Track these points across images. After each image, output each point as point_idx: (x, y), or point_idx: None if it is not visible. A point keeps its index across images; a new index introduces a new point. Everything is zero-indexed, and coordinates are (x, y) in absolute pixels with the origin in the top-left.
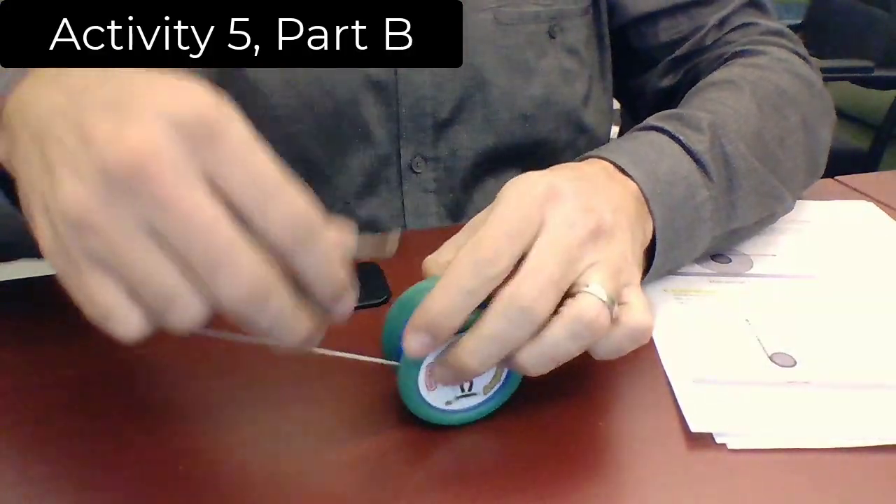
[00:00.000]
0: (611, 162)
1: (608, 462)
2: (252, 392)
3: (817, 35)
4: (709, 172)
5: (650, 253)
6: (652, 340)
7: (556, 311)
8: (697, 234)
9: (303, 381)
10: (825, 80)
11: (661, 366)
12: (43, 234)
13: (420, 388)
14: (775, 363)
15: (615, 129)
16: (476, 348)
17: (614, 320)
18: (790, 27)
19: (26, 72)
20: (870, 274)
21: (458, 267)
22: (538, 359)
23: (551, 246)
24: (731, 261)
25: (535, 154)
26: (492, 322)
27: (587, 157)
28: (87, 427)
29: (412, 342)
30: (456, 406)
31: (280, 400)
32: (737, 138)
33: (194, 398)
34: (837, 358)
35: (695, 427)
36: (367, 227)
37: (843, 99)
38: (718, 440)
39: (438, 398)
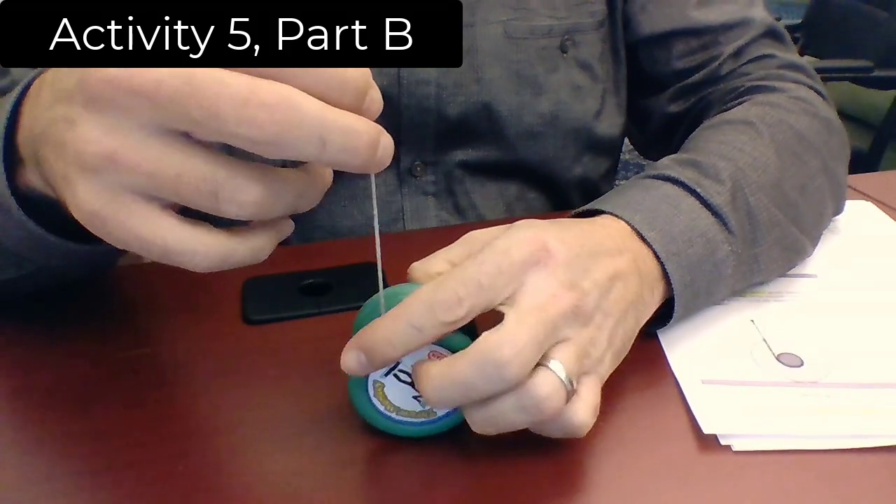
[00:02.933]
0: (626, 222)
1: (612, 464)
2: (252, 392)
3: (817, 35)
4: (729, 226)
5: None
6: (658, 341)
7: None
8: (717, 290)
9: (303, 381)
10: (825, 80)
11: (667, 366)
12: (73, 189)
13: (372, 398)
14: (782, 363)
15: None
16: (440, 386)
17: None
18: (790, 27)
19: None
20: (871, 273)
21: (414, 302)
22: (483, 420)
23: (537, 308)
24: None
25: (539, 168)
26: (465, 368)
27: (600, 211)
28: (87, 427)
29: (349, 358)
30: (406, 417)
31: (280, 400)
32: (758, 189)
33: (194, 398)
34: (844, 358)
35: (707, 429)
36: (366, 228)
37: (843, 99)
38: (723, 442)
39: (390, 406)
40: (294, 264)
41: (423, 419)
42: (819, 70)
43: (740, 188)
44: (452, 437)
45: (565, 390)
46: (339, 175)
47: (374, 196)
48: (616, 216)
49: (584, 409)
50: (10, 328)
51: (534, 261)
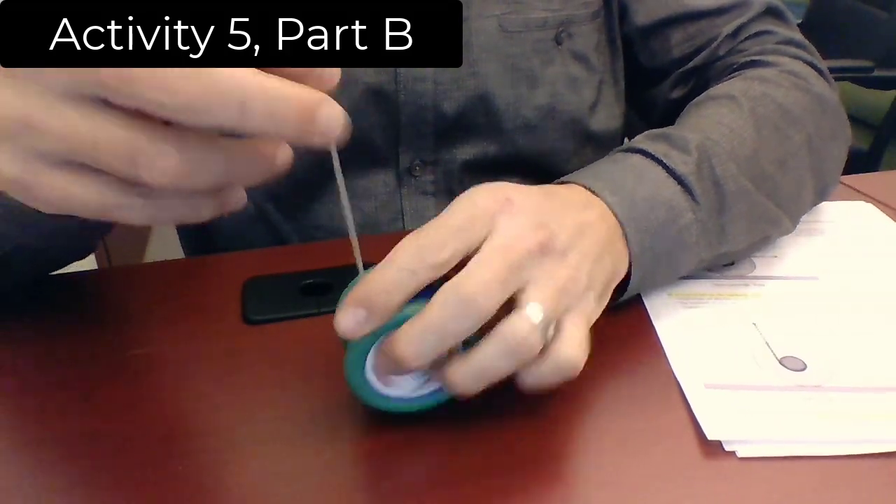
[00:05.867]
0: (586, 187)
1: (615, 468)
2: (252, 392)
3: (817, 35)
4: (694, 195)
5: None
6: (659, 345)
7: (488, 331)
8: (680, 258)
9: (303, 381)
10: None
11: (669, 370)
12: None
13: (369, 376)
14: (785, 367)
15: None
16: (414, 338)
17: (543, 350)
18: None
19: None
20: (872, 275)
21: (399, 249)
22: (467, 375)
23: (499, 248)
24: (733, 263)
25: (538, 162)
26: (433, 311)
27: (566, 181)
28: (87, 427)
29: (345, 318)
30: (401, 392)
31: (280, 399)
32: (728, 159)
33: (194, 398)
34: (847, 361)
35: (711, 435)
36: (366, 228)
37: (844, 99)
38: (728, 448)
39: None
40: (294, 264)
41: (418, 394)
42: None
43: (707, 158)
44: (451, 438)
45: (541, 329)
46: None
47: (340, 182)
48: (578, 184)
49: (570, 345)
50: (10, 328)
51: (499, 209)
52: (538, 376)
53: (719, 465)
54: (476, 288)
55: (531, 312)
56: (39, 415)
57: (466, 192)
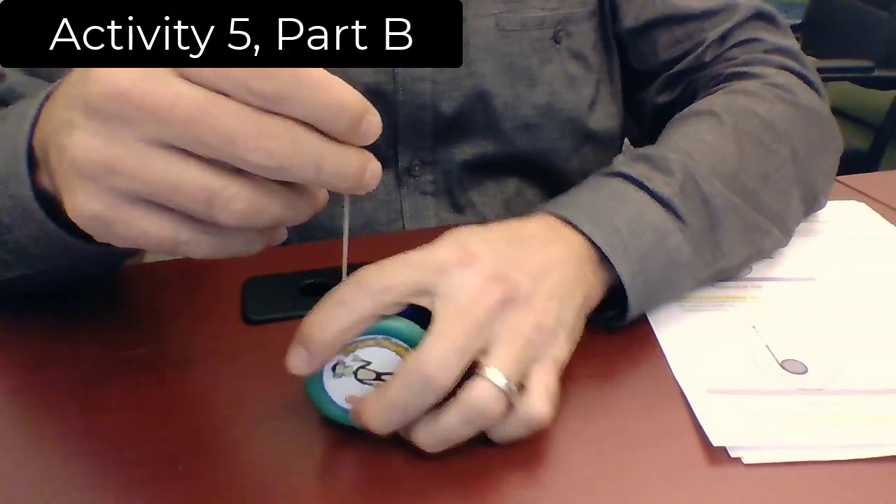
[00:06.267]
0: (560, 218)
1: (618, 475)
2: (251, 391)
3: (817, 35)
4: (680, 215)
5: (619, 294)
6: (660, 350)
7: (454, 392)
8: (676, 279)
9: (303, 381)
10: (825, 80)
11: (671, 375)
12: (72, 193)
13: (328, 392)
14: (786, 370)
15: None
16: (379, 413)
17: (511, 406)
18: (790, 27)
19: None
20: (868, 275)
21: (342, 284)
22: (432, 439)
23: (454, 315)
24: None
25: (537, 161)
26: (395, 390)
27: (539, 211)
28: (87, 427)
29: (292, 357)
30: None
31: (280, 399)
32: (712, 176)
33: (194, 398)
34: (848, 363)
35: (717, 441)
36: (365, 228)
37: (843, 99)
38: (733, 454)
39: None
40: (294, 264)
41: None
42: (819, 70)
43: (691, 177)
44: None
45: (504, 394)
46: None
47: (346, 215)
48: (552, 213)
49: (536, 400)
50: (10, 328)
51: (458, 262)
52: (506, 433)
53: (724, 471)
54: (435, 364)
55: (494, 378)
56: (39, 415)
57: (435, 240)
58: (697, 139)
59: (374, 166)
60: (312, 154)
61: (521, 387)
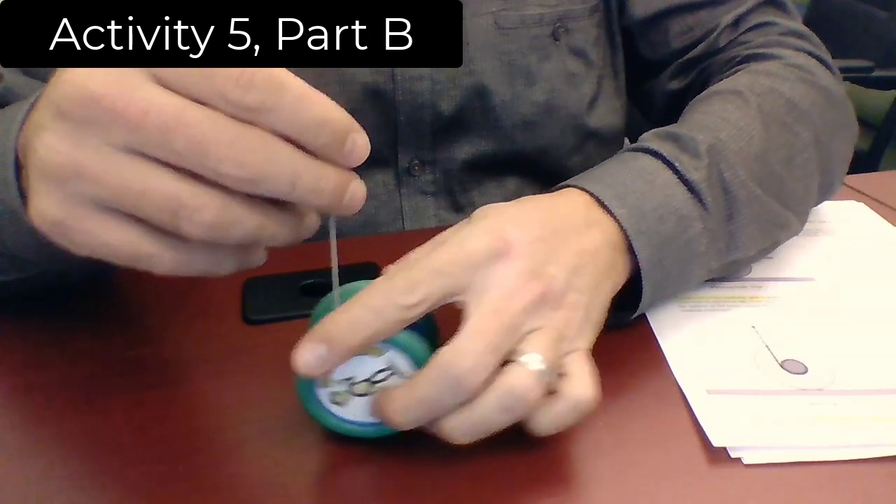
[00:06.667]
0: (593, 196)
1: (618, 476)
2: (251, 392)
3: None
4: (704, 203)
5: (631, 283)
6: (660, 350)
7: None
8: (690, 270)
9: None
10: None
11: (671, 375)
12: (36, 197)
13: (322, 400)
14: (786, 370)
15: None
16: (404, 408)
17: (555, 392)
18: None
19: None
20: (867, 274)
21: (371, 287)
22: (466, 429)
23: (491, 313)
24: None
25: (538, 159)
26: (424, 386)
27: (570, 186)
28: (88, 427)
29: (305, 354)
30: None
31: (280, 400)
32: (737, 162)
33: (194, 398)
34: (847, 363)
35: (717, 442)
36: (366, 228)
37: None
38: (734, 455)
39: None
40: (294, 264)
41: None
42: None
43: (716, 163)
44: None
45: (542, 379)
46: None
47: (332, 237)
48: (583, 189)
49: (582, 384)
50: (10, 328)
51: (493, 253)
52: (553, 421)
53: (724, 471)
54: (469, 364)
55: (533, 363)
56: (39, 415)
57: (466, 223)
58: (722, 118)
59: (355, 187)
60: (287, 167)
61: (559, 375)
